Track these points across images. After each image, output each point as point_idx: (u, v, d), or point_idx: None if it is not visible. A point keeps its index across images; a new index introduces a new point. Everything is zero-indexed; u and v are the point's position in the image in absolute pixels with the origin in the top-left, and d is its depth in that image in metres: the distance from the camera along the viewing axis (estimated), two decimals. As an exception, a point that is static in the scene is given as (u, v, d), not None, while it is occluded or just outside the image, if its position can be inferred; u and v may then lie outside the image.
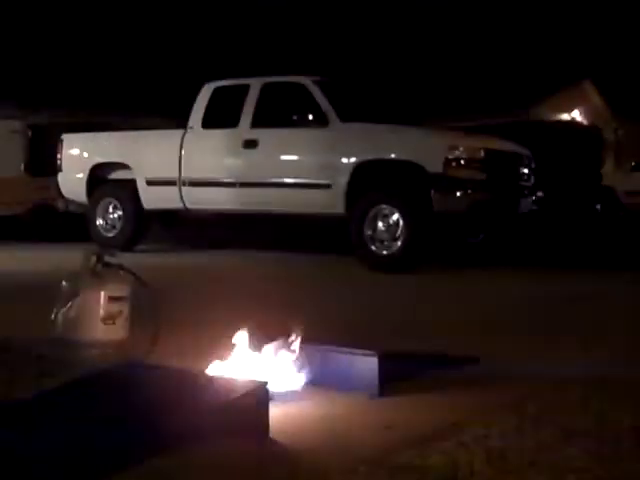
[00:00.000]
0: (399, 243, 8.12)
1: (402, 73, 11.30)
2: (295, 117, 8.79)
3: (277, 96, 9.27)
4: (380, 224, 8.27)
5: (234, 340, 3.19)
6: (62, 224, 12.44)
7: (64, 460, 2.23)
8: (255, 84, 9.40)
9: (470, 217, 8.26)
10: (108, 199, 10.42)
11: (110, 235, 10.33)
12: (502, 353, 4.00)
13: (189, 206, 9.76)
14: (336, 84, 9.50)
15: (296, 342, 3.20)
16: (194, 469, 2.37)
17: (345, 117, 8.72)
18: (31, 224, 12.84)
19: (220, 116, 9.61)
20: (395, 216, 8.18)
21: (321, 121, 8.72)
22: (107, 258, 4.10)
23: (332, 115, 8.70)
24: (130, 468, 2.27)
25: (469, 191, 8.05)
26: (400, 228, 8.12)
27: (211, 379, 2.71)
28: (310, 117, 8.77)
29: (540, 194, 9.17)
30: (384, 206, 8.26)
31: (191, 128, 9.75)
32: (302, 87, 8.99)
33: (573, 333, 4.67)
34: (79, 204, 10.96)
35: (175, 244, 11.35)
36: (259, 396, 2.60)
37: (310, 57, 11.24)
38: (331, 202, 8.54)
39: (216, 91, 9.71)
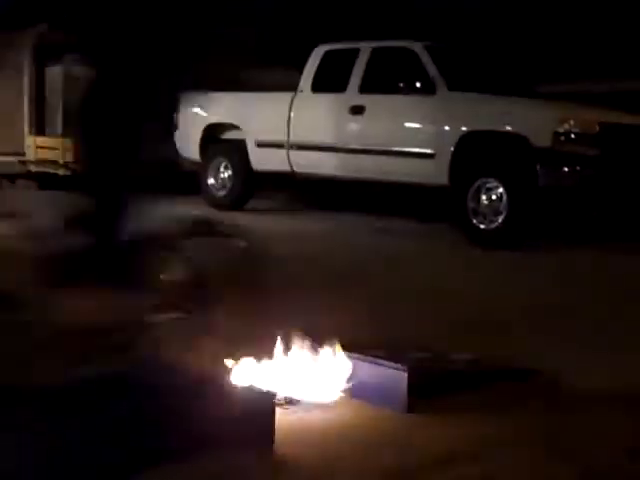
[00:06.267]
0: (501, 218, 7.86)
1: (515, 36, 10.75)
2: (402, 84, 8.59)
3: (387, 61, 9.07)
4: (484, 197, 8.03)
5: (279, 341, 3.14)
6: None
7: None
8: (365, 48, 9.23)
9: (579, 194, 7.89)
10: (220, 159, 10.55)
11: (221, 194, 10.49)
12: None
13: (295, 169, 9.76)
14: (448, 50, 9.20)
15: (336, 351, 3.13)
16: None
17: (453, 86, 8.46)
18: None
19: (330, 80, 9.52)
20: (499, 190, 7.91)
21: (429, 89, 8.49)
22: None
23: (440, 83, 8.46)
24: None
25: (578, 167, 7.68)
26: (503, 203, 7.85)
27: (219, 387, 2.66)
28: (418, 84, 8.55)
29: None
30: (488, 179, 7.99)
31: (301, 91, 9.71)
32: (412, 53, 8.76)
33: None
34: (193, 162, 11.13)
35: (286, 205, 11.37)
36: (262, 406, 2.55)
37: (423, 21, 10.91)
38: (435, 172, 8.34)
39: (327, 54, 9.61)
